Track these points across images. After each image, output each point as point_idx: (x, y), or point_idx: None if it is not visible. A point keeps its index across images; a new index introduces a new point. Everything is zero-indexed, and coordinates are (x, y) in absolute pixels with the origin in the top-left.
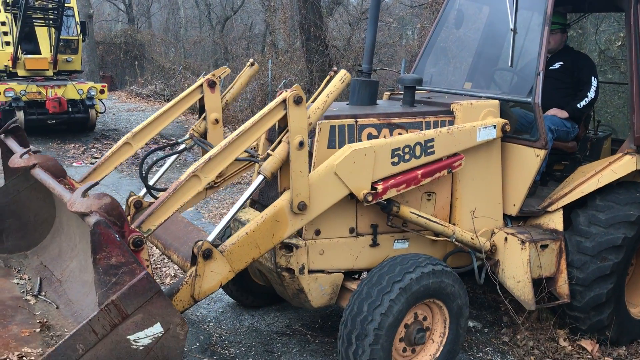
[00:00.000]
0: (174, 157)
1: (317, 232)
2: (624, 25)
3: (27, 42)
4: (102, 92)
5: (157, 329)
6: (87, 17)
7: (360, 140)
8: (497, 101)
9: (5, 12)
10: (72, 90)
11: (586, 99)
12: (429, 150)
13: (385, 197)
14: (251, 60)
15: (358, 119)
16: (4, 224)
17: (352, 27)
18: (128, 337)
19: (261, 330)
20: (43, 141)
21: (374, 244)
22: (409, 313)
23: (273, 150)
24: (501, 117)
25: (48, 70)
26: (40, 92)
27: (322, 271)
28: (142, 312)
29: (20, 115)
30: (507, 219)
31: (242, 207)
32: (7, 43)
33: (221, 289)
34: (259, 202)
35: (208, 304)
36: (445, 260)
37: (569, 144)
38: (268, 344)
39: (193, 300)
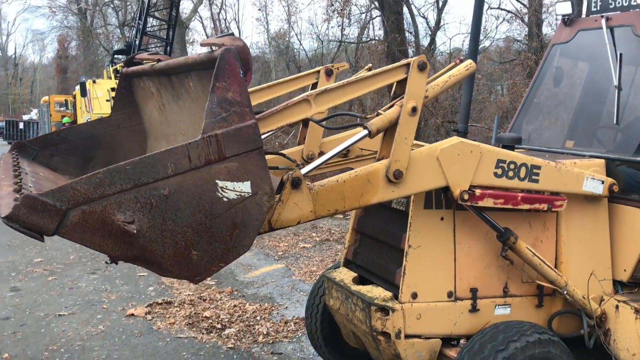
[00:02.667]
0: None
1: (414, 295)
2: None
3: None
4: None
5: (246, 187)
6: None
7: (457, 205)
8: (603, 160)
9: (116, 79)
10: None
11: None
12: (533, 177)
13: (481, 203)
14: (370, 65)
15: None
16: (95, 153)
17: None
18: (217, 181)
19: None
20: None
21: (474, 309)
22: None
23: (384, 111)
24: (608, 176)
25: None
26: None
27: (419, 336)
28: (238, 161)
29: None
30: (618, 285)
31: (338, 154)
32: None
33: (314, 350)
34: (353, 262)
35: None
36: (550, 322)
37: None
38: None
39: (269, 225)
